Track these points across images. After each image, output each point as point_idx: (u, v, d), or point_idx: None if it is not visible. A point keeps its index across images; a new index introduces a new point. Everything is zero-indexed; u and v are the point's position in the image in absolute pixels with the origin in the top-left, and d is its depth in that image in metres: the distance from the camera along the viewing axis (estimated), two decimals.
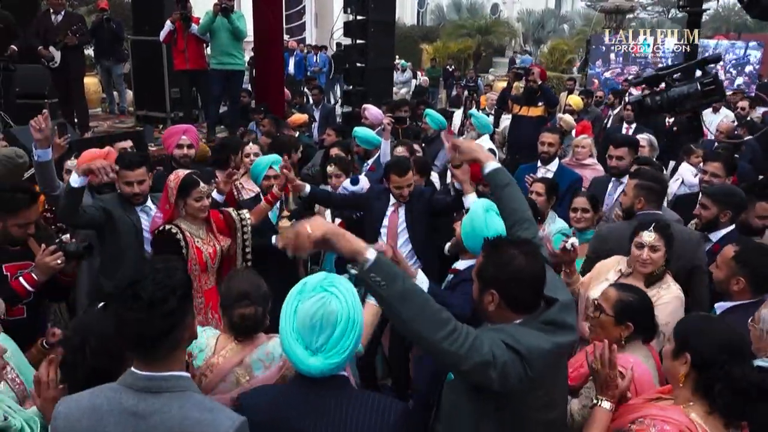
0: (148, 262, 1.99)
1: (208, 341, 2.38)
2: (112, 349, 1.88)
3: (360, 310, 1.85)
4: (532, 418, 1.86)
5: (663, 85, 4.41)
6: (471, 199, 3.61)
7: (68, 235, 3.66)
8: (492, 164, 2.33)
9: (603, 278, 3.07)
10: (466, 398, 1.86)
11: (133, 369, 1.59)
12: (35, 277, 2.81)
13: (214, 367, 2.32)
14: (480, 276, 1.93)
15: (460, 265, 3.06)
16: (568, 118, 7.23)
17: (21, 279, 2.80)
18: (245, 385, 2.28)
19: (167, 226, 3.33)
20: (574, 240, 3.11)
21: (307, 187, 3.90)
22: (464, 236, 2.92)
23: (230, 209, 3.70)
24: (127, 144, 4.81)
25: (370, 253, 1.67)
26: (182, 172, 3.42)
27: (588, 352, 2.12)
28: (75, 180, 3.21)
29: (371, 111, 6.53)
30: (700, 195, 3.76)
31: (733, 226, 3.44)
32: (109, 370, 1.85)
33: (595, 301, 2.45)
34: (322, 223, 1.74)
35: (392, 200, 4.00)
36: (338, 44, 14.48)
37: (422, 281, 2.70)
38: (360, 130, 5.43)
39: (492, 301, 1.88)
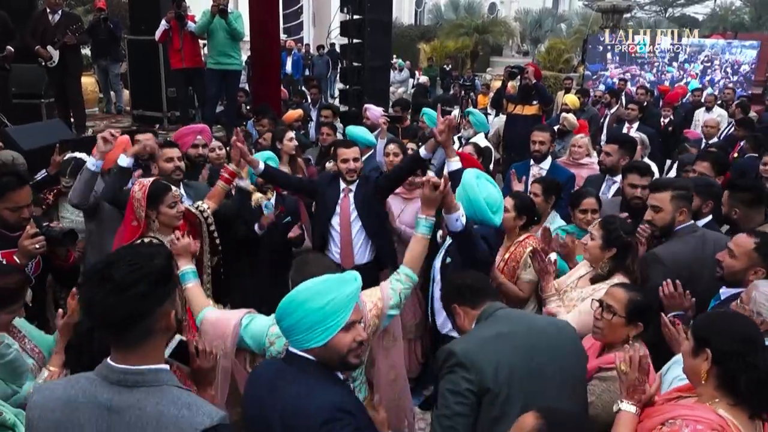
0: (132, 245, 1.96)
1: None
2: None
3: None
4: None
5: None
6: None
7: (56, 222, 3.65)
8: None
9: (573, 279, 3.13)
10: None
11: (108, 360, 1.53)
12: (17, 260, 2.84)
13: None
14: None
15: None
16: (571, 117, 7.20)
17: (2, 261, 2.83)
18: None
19: (146, 240, 3.01)
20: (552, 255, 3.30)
21: (261, 164, 3.85)
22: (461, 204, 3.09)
23: (186, 204, 3.53)
24: (146, 136, 4.84)
25: None
26: (147, 180, 3.14)
27: (616, 356, 2.11)
28: (124, 161, 3.52)
29: (372, 111, 6.55)
30: None
31: (710, 217, 3.49)
32: None
33: (604, 303, 2.43)
34: None
35: (342, 186, 4.01)
36: (322, 45, 14.55)
37: (462, 214, 2.97)
38: (351, 130, 5.44)
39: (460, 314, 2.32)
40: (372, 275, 3.95)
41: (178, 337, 2.00)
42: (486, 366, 2.02)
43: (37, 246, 2.85)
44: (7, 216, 2.92)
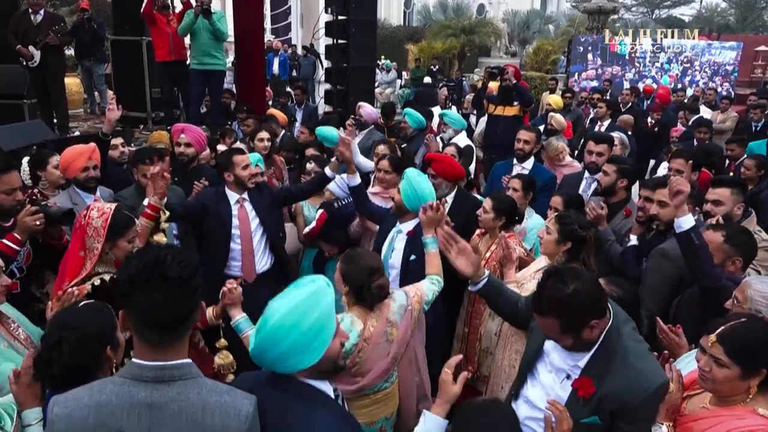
0: (157, 246, 1.93)
1: (353, 321, 2.62)
2: (90, 347, 1.88)
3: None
4: None
5: None
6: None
7: (53, 200, 3.65)
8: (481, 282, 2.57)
9: (531, 271, 3.19)
10: None
11: (137, 360, 1.53)
12: (17, 236, 2.89)
13: (370, 338, 2.62)
14: (570, 328, 1.96)
15: (410, 225, 3.52)
16: (559, 117, 7.23)
17: (4, 240, 2.88)
18: (394, 334, 2.69)
19: (106, 278, 2.58)
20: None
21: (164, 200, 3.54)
22: (406, 199, 3.45)
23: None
24: (119, 141, 5.00)
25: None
26: (106, 207, 2.74)
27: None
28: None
29: (366, 109, 6.55)
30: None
31: None
32: (86, 368, 1.86)
33: None
34: None
35: (234, 197, 3.88)
36: (306, 47, 14.65)
37: None
38: (321, 129, 5.47)
39: (595, 328, 1.96)
40: (272, 282, 3.88)
41: None
42: None
43: (37, 222, 2.89)
44: (2, 200, 2.95)
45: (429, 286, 2.94)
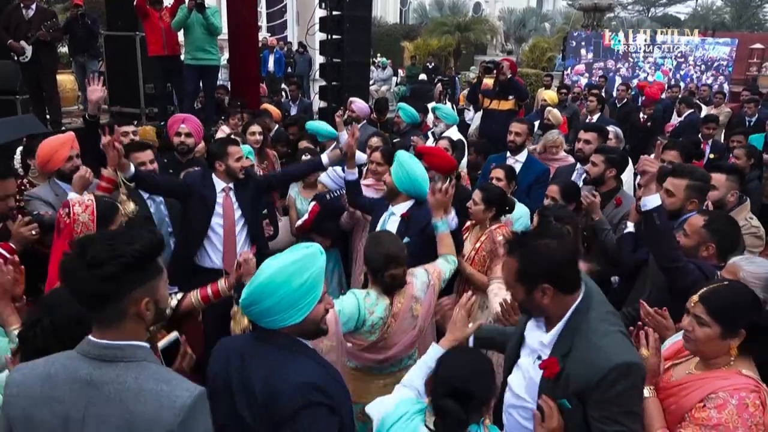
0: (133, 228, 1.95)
1: (378, 295, 2.76)
2: (63, 332, 1.82)
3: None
4: None
5: None
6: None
7: (35, 190, 3.64)
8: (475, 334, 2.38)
9: None
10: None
11: (89, 336, 1.53)
12: (13, 246, 2.89)
13: (397, 314, 2.78)
14: (524, 277, 1.94)
15: (403, 207, 3.58)
16: (555, 112, 7.26)
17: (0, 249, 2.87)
18: (419, 309, 2.83)
19: None
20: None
21: (132, 168, 3.57)
22: (398, 181, 3.50)
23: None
24: (130, 128, 4.87)
25: None
26: (86, 200, 2.76)
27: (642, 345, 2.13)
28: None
29: (358, 104, 6.55)
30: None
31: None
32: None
33: None
34: None
35: (220, 185, 3.82)
36: (300, 44, 14.68)
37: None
38: (311, 123, 5.48)
39: (546, 294, 1.92)
40: None
41: (174, 335, 2.01)
42: None
43: (33, 232, 2.91)
44: None
45: (445, 265, 3.10)
